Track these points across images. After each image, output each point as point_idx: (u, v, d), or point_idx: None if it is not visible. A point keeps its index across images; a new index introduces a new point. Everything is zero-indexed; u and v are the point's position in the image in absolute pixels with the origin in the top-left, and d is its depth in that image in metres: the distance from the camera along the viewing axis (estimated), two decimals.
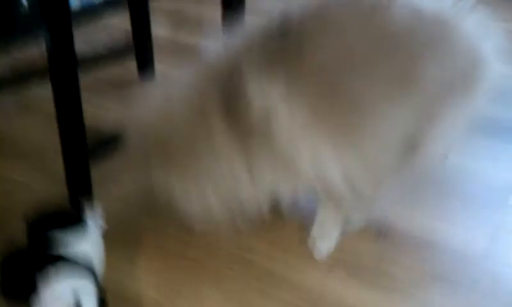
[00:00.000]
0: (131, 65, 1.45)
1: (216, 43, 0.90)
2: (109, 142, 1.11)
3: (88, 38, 1.72)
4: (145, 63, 1.42)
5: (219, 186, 0.82)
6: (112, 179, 1.08)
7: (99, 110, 1.32)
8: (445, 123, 0.76)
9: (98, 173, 1.06)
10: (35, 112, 1.34)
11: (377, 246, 0.95)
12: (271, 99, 0.72)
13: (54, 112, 0.93)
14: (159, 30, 1.85)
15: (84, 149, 0.99)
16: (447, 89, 0.73)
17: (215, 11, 1.97)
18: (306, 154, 0.73)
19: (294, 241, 0.96)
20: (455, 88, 0.74)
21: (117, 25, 1.84)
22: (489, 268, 0.90)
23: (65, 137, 0.96)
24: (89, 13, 1.89)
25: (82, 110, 0.96)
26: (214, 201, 0.84)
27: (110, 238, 0.87)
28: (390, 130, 0.71)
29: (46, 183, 1.09)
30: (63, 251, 0.75)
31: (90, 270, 0.76)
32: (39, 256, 0.74)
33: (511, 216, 1.03)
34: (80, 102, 0.95)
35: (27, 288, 0.71)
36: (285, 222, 0.99)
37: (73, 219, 0.80)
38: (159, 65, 1.52)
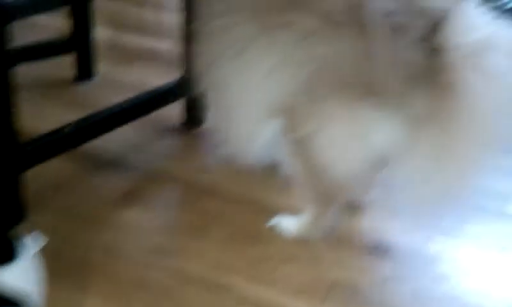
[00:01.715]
0: (70, 65, 1.41)
1: None
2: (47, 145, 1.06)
3: (24, 36, 1.66)
4: (85, 63, 1.39)
5: None
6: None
7: (35, 110, 1.27)
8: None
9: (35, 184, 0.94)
10: None
11: (376, 263, 0.89)
12: None
13: None
14: (98, 30, 1.82)
15: (15, 163, 0.87)
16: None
17: (156, 13, 1.97)
18: None
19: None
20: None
21: (53, 24, 1.78)
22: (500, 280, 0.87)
23: None
24: (24, 10, 1.83)
25: (12, 114, 0.84)
26: None
27: (53, 264, 0.77)
28: None
29: None
30: None
31: (21, 302, 0.68)
32: None
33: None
34: (9, 107, 0.84)
35: None
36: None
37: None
38: (98, 65, 1.50)
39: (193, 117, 1.22)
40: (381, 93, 0.73)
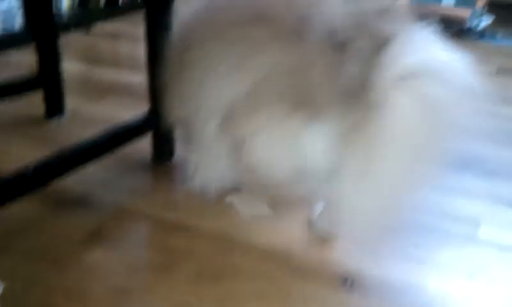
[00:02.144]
0: (38, 101, 1.40)
1: None
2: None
3: None
4: (54, 99, 1.38)
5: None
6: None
7: (2, 148, 1.26)
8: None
9: None
10: None
11: (344, 295, 0.88)
12: None
13: None
14: (71, 65, 1.81)
15: None
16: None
17: (131, 46, 1.97)
18: None
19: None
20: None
21: (26, 60, 1.78)
22: None
23: None
24: None
25: None
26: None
27: None
28: None
29: None
30: None
31: None
32: None
33: (485, 249, 1.02)
34: None
35: None
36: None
37: None
38: (70, 100, 1.49)
39: (162, 151, 1.21)
40: (315, 106, 0.75)
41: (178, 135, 1.19)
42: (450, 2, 2.54)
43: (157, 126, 1.18)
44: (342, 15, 0.77)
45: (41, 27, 1.29)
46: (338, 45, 0.74)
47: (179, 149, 1.23)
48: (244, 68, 0.80)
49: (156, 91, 1.13)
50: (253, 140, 0.81)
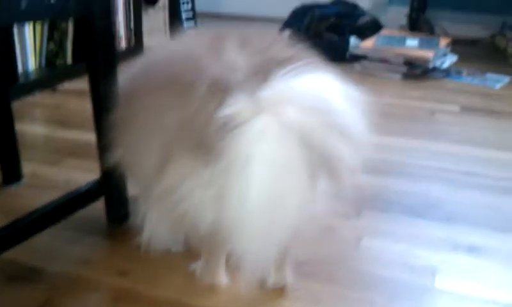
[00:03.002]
0: None
1: None
2: None
3: None
4: (10, 166, 1.38)
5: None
6: None
7: None
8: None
9: None
10: None
11: None
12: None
13: None
14: (33, 126, 1.81)
15: None
16: None
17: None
18: None
19: None
20: None
21: None
22: None
23: None
24: None
25: None
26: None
27: None
28: None
29: None
30: None
31: None
32: None
33: (441, 301, 1.01)
34: None
35: None
36: None
37: None
38: (29, 164, 1.48)
39: (117, 213, 1.20)
40: (200, 148, 0.80)
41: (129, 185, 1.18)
42: (414, 43, 2.59)
43: (109, 190, 1.17)
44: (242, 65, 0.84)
45: None
46: (213, 92, 0.81)
47: (133, 210, 1.22)
48: (155, 129, 0.86)
49: (104, 152, 1.14)
50: (174, 192, 0.83)
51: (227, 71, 0.83)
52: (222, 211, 0.80)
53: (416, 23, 3.07)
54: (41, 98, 2.12)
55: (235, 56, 0.86)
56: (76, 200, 1.14)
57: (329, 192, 0.86)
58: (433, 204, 1.34)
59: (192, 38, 1.03)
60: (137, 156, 0.90)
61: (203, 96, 0.80)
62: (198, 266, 1.05)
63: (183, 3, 3.27)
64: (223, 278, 1.01)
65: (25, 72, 2.23)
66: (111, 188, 1.17)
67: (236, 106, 0.78)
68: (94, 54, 1.06)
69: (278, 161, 0.77)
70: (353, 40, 2.72)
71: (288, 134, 0.76)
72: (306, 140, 0.77)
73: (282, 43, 0.96)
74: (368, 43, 2.62)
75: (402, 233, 1.21)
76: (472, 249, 1.16)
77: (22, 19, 1.11)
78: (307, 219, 0.86)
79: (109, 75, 1.08)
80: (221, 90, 0.80)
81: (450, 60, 2.58)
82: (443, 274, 1.07)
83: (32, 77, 2.21)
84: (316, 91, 0.83)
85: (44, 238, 1.12)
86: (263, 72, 0.83)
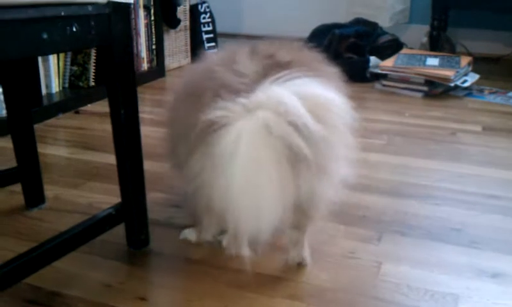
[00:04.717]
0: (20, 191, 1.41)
1: None
2: None
3: None
4: (33, 190, 1.40)
5: None
6: None
7: None
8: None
9: None
10: None
11: None
12: None
13: None
14: (56, 149, 1.84)
15: None
16: None
17: None
18: None
19: None
20: None
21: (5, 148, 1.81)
22: None
23: None
24: None
25: None
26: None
27: None
28: None
29: None
30: None
31: None
32: None
33: None
34: None
35: None
36: None
37: None
38: (52, 187, 1.51)
39: (137, 238, 1.21)
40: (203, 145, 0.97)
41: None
42: (434, 62, 2.57)
43: (129, 215, 1.18)
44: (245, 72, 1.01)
45: (17, 119, 1.32)
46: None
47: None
48: (183, 131, 1.05)
49: (127, 178, 1.15)
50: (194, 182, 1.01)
51: (234, 78, 0.99)
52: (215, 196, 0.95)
53: (437, 42, 3.05)
54: (64, 120, 2.15)
55: (243, 64, 1.02)
56: (96, 225, 1.15)
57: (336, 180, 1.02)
58: (455, 229, 1.32)
59: (215, 54, 1.19)
60: (178, 152, 1.08)
61: (207, 102, 0.96)
62: (224, 238, 1.23)
63: (204, 25, 3.32)
64: (245, 250, 1.05)
65: (49, 95, 2.28)
66: (131, 213, 1.18)
67: (224, 109, 0.93)
68: (114, 82, 1.08)
69: (254, 156, 0.90)
70: (373, 59, 2.72)
71: (264, 134, 0.90)
72: (282, 139, 0.90)
73: (289, 47, 1.11)
74: (389, 63, 2.62)
75: (423, 259, 1.19)
76: (495, 276, 1.13)
77: (43, 51, 1.13)
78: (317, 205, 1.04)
79: (128, 101, 1.10)
80: (225, 94, 0.95)
81: (471, 79, 2.56)
82: (466, 302, 1.05)
83: (56, 99, 2.26)
84: (294, 97, 0.93)
85: (64, 263, 1.13)
86: (265, 76, 0.98)
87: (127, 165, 1.14)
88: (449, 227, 1.32)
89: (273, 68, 1.00)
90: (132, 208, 1.18)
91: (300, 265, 1.15)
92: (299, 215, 1.04)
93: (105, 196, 1.46)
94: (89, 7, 0.99)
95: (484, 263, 1.18)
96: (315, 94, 0.95)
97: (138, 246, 1.21)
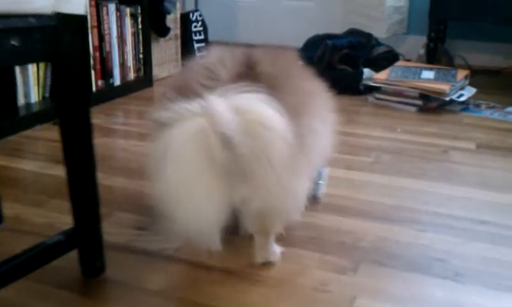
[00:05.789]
0: None
1: None
2: None
3: None
4: None
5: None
6: None
7: None
8: None
9: None
10: None
11: None
12: None
13: None
14: (27, 164, 1.76)
15: None
16: None
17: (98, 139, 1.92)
18: None
19: None
20: None
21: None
22: None
23: None
24: None
25: None
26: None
27: None
28: None
29: None
30: None
31: None
32: None
33: None
34: None
35: None
36: None
37: None
38: (14, 205, 1.42)
39: (92, 266, 1.12)
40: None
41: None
42: (429, 75, 2.48)
43: (83, 240, 1.10)
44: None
45: None
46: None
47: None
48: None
49: (79, 202, 1.07)
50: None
51: (208, 81, 1.04)
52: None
53: (435, 54, 2.96)
54: (40, 132, 2.07)
55: (224, 68, 1.07)
56: (45, 252, 1.06)
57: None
58: (439, 259, 1.22)
59: (215, 51, 1.21)
60: None
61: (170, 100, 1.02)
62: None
63: (195, 33, 3.24)
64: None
65: (28, 104, 2.20)
66: (84, 238, 1.09)
67: (170, 111, 0.97)
68: (63, 99, 0.99)
69: (189, 157, 0.94)
70: (368, 71, 2.63)
71: (195, 139, 0.94)
72: (208, 146, 0.93)
73: (282, 58, 1.19)
74: (382, 75, 2.53)
75: (401, 294, 1.09)
76: None
77: None
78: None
79: (79, 121, 1.01)
80: (188, 95, 0.99)
81: (468, 93, 2.46)
82: None
83: (35, 109, 2.18)
84: (227, 110, 0.95)
85: (10, 293, 1.04)
86: (234, 83, 1.00)
87: (78, 189, 1.05)
88: (433, 256, 1.23)
89: (243, 77, 1.04)
90: (84, 234, 1.09)
91: (265, 264, 1.17)
92: (260, 222, 1.11)
93: (69, 216, 1.37)
94: (32, 20, 0.91)
95: (466, 299, 1.08)
96: (252, 110, 0.96)
97: (93, 274, 1.12)
